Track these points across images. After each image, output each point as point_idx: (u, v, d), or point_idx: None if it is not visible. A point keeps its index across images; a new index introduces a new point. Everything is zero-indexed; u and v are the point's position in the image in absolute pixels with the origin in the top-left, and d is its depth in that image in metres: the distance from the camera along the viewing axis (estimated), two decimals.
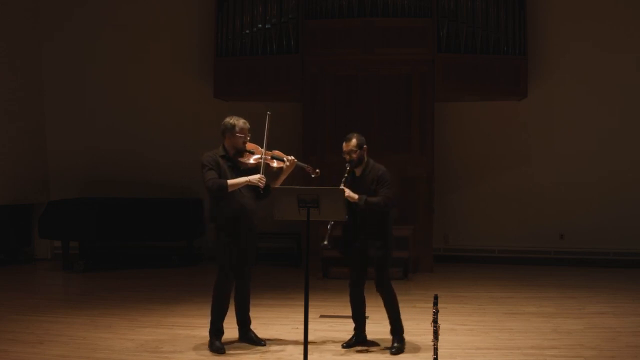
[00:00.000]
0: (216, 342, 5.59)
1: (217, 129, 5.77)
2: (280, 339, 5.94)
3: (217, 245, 5.63)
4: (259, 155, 5.63)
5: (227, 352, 5.54)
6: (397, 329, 5.59)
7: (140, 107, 10.87)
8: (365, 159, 5.62)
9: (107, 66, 10.91)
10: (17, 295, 7.92)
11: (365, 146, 5.59)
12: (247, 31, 9.84)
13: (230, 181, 5.51)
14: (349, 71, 9.69)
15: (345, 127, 8.67)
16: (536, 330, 6.23)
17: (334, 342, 5.82)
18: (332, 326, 6.40)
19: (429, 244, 9.57)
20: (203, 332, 5.86)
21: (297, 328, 6.05)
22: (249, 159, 5.65)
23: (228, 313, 5.72)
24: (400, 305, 5.65)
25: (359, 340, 5.74)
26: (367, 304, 5.75)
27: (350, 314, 5.77)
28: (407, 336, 5.68)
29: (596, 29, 10.05)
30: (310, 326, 5.06)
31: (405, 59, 9.53)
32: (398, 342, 5.54)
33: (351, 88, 9.67)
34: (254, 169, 5.61)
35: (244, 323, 5.85)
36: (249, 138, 5.69)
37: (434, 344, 4.64)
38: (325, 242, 5.25)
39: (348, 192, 5.36)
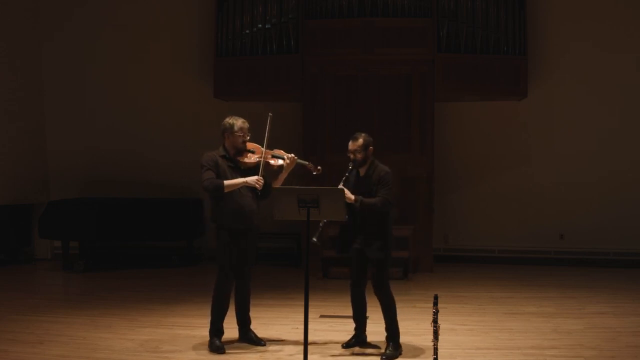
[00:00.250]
0: (216, 342, 5.59)
1: (217, 129, 5.78)
2: (280, 339, 5.94)
3: (217, 245, 5.64)
4: (259, 155, 5.63)
5: (227, 352, 5.54)
6: (392, 335, 5.53)
7: (140, 107, 10.87)
8: (370, 160, 5.62)
9: (107, 66, 10.91)
10: (17, 295, 7.92)
11: (371, 147, 5.59)
12: (247, 31, 9.84)
13: (227, 182, 5.51)
14: (349, 71, 9.69)
15: (345, 127, 8.70)
16: (536, 330, 6.23)
17: (334, 342, 5.81)
18: (332, 326, 6.39)
19: (429, 244, 9.57)
20: (203, 332, 5.87)
21: (297, 328, 6.05)
22: (249, 159, 5.64)
23: (228, 313, 5.72)
24: (400, 305, 5.63)
25: (358, 341, 5.73)
26: (367, 304, 5.73)
27: (350, 314, 5.77)
28: (407, 336, 5.67)
29: (596, 29, 10.05)
30: (310, 326, 5.06)
31: (405, 59, 9.53)
32: (392, 349, 5.46)
33: (351, 88, 9.67)
34: (254, 169, 5.61)
35: (244, 323, 5.85)
36: (248, 137, 5.69)
37: (434, 344, 4.64)
38: (315, 239, 5.21)
39: (346, 192, 5.35)
